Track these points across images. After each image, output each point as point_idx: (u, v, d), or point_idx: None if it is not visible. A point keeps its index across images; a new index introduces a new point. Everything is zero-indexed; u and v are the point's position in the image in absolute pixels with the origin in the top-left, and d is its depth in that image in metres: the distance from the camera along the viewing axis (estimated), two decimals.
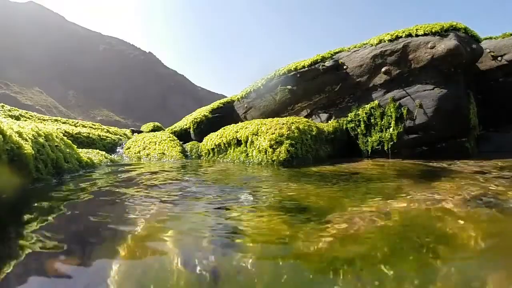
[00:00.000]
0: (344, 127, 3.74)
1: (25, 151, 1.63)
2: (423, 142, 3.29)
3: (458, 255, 0.82)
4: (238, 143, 3.45)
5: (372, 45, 3.61)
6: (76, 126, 5.53)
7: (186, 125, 5.73)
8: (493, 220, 1.09)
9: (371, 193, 1.49)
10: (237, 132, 3.49)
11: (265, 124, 3.31)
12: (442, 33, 3.21)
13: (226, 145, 3.59)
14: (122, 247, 0.87)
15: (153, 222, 1.09)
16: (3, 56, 59.46)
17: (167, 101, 74.98)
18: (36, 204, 1.32)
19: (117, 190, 1.58)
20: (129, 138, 5.59)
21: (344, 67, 3.79)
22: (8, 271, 0.74)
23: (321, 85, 3.95)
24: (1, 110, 5.39)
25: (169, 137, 4.62)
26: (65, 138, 2.42)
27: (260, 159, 3.03)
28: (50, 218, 1.13)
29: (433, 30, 3.24)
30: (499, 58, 3.74)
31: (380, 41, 3.54)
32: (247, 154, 3.24)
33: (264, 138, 3.09)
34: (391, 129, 3.32)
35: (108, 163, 3.01)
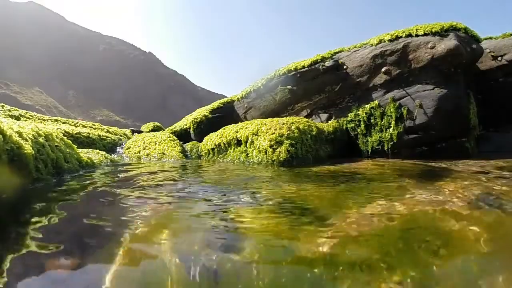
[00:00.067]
0: (344, 127, 3.74)
1: (25, 151, 1.62)
2: (423, 142, 3.29)
3: (464, 257, 0.81)
4: (238, 143, 3.45)
5: (372, 45, 3.61)
6: (76, 126, 5.52)
7: (186, 125, 5.73)
8: (498, 221, 1.08)
9: (373, 194, 1.48)
10: (237, 132, 3.49)
11: (265, 124, 3.31)
12: (442, 33, 3.20)
13: (226, 145, 3.59)
14: (121, 248, 0.87)
15: (152, 222, 1.09)
16: (3, 56, 59.44)
17: (167, 101, 74.97)
18: (36, 204, 1.32)
19: (116, 191, 1.58)
20: (129, 138, 5.59)
21: (344, 67, 3.79)
22: (8, 271, 0.74)
23: (321, 85, 3.95)
24: (1, 110, 5.38)
25: (169, 137, 4.62)
26: (65, 138, 2.42)
27: (260, 159, 3.02)
28: (49, 218, 1.13)
29: (433, 30, 3.24)
30: (499, 58, 3.74)
31: (380, 41, 3.54)
32: (247, 154, 3.24)
33: (264, 138, 3.09)
34: (391, 129, 3.32)
35: (108, 163, 3.01)
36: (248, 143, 3.29)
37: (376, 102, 3.47)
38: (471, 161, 2.71)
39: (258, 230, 1.00)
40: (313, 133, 3.27)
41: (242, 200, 1.38)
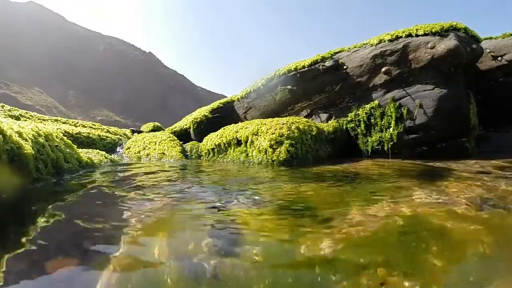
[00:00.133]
0: (344, 127, 3.74)
1: (25, 151, 1.62)
2: (423, 142, 3.29)
3: (468, 258, 0.80)
4: (238, 143, 3.45)
5: (372, 45, 3.61)
6: (76, 126, 5.52)
7: (186, 125, 5.73)
8: (502, 221, 1.07)
9: (374, 195, 1.48)
10: (237, 132, 3.49)
11: (265, 124, 3.31)
12: (442, 33, 3.20)
13: (226, 145, 3.59)
14: (120, 248, 0.87)
15: (151, 223, 1.08)
16: (3, 56, 59.44)
17: (167, 101, 74.96)
18: (36, 204, 1.32)
19: (116, 191, 1.58)
20: (129, 138, 5.59)
21: (344, 67, 3.79)
22: (8, 271, 0.74)
23: (321, 85, 3.95)
24: (1, 110, 5.38)
25: (169, 137, 4.62)
26: (65, 138, 2.42)
27: (260, 159, 3.02)
28: (49, 218, 1.13)
29: (433, 30, 3.24)
30: (499, 58, 3.74)
31: (380, 41, 3.54)
32: (247, 154, 3.24)
33: (264, 138, 3.09)
34: (391, 129, 3.32)
35: (108, 163, 3.01)
36: (248, 143, 3.29)
37: (376, 102, 3.47)
38: (471, 161, 2.71)
39: (258, 231, 1.00)
40: (313, 133, 3.27)
41: (242, 200, 1.38)
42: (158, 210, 1.22)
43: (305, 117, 4.16)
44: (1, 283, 0.69)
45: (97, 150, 3.53)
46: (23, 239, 0.92)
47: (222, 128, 3.93)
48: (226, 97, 6.17)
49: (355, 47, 3.85)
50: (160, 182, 1.85)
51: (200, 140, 4.44)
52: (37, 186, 1.68)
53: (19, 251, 0.85)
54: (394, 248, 0.85)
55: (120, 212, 1.21)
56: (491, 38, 4.02)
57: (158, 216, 1.15)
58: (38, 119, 5.70)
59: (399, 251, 0.82)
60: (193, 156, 4.04)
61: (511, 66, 3.67)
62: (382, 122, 3.41)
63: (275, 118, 3.76)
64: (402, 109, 3.26)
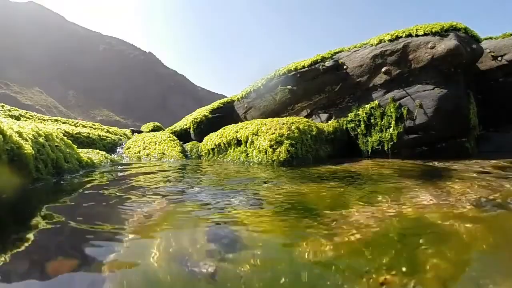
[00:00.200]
0: (344, 127, 3.74)
1: (25, 151, 1.62)
2: (423, 142, 3.29)
3: (471, 259, 0.80)
4: (238, 143, 3.45)
5: (372, 45, 3.61)
6: (76, 126, 5.52)
7: (186, 125, 5.73)
8: (505, 221, 1.07)
9: (375, 195, 1.47)
10: (237, 132, 3.49)
11: (265, 124, 3.31)
12: (442, 33, 3.20)
13: (226, 145, 3.59)
14: (120, 249, 0.87)
15: (151, 223, 1.08)
16: (3, 56, 59.44)
17: (167, 101, 74.96)
18: (36, 205, 1.32)
19: (116, 191, 1.58)
20: (129, 138, 5.59)
21: (344, 67, 3.79)
22: (7, 271, 0.74)
23: (321, 85, 3.95)
24: (1, 110, 5.38)
25: (169, 137, 4.62)
26: (65, 138, 2.42)
27: (260, 159, 3.02)
28: (49, 218, 1.13)
29: (433, 30, 3.24)
30: (499, 58, 3.74)
31: (380, 41, 3.54)
32: (247, 154, 3.24)
33: (264, 138, 3.08)
34: (391, 129, 3.32)
35: (108, 163, 3.01)
36: (248, 143, 3.29)
37: (376, 102, 3.47)
38: (471, 161, 2.71)
39: (258, 231, 1.00)
40: (313, 133, 3.26)
41: (242, 201, 1.37)
42: (158, 210, 1.22)
43: (305, 117, 4.16)
44: (2, 283, 0.69)
45: (97, 150, 3.53)
46: (23, 239, 0.92)
47: (222, 128, 3.93)
48: (226, 97, 6.17)
49: (355, 47, 3.85)
50: (160, 183, 1.85)
51: (200, 140, 4.44)
52: (37, 186, 1.68)
53: (19, 251, 0.85)
54: (396, 249, 0.84)
55: (120, 212, 1.21)
56: (491, 38, 4.02)
57: (157, 216, 1.15)
58: (38, 119, 5.70)
59: (401, 252, 0.82)
60: (193, 156, 4.04)
61: (511, 66, 3.67)
62: (382, 122, 3.41)
63: (275, 118, 3.76)
64: (402, 109, 3.26)
